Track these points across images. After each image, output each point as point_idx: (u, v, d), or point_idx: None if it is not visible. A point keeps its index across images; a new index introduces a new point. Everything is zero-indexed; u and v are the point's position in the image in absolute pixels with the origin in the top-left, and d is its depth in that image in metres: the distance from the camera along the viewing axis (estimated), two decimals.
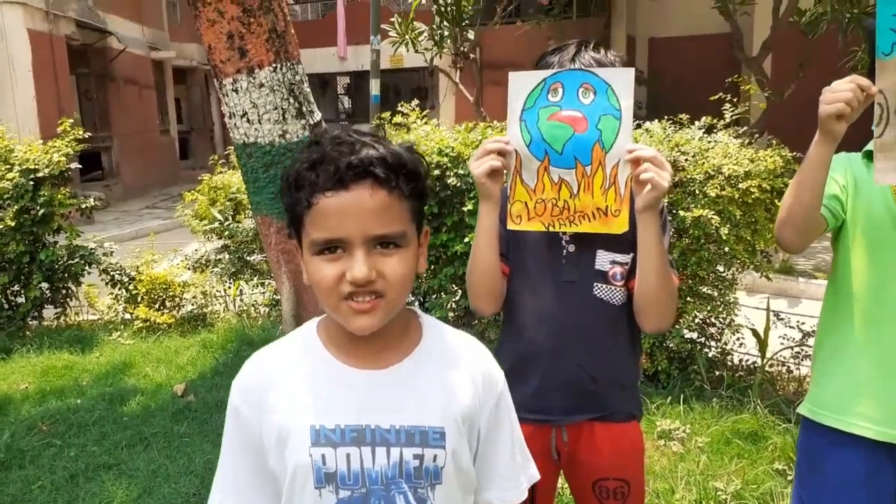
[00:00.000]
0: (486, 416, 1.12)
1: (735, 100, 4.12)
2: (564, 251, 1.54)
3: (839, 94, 1.36)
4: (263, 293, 5.18)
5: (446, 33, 10.21)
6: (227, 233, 5.08)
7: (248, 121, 4.86)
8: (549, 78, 1.46)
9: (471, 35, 10.68)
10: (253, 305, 5.21)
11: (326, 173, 0.99)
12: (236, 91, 4.84)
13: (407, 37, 10.26)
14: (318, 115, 5.03)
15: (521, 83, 1.48)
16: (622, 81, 1.41)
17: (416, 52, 10.28)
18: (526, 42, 11.09)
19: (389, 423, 1.04)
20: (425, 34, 10.26)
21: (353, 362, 1.08)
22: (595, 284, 1.52)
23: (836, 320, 1.61)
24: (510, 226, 1.51)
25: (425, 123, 4.66)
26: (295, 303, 5.01)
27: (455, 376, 1.10)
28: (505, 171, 1.49)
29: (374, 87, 9.42)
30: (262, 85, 4.79)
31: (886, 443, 1.52)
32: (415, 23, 10.23)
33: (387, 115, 5.11)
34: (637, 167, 1.38)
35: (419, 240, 1.09)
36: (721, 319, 3.77)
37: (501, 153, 1.47)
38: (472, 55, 11.04)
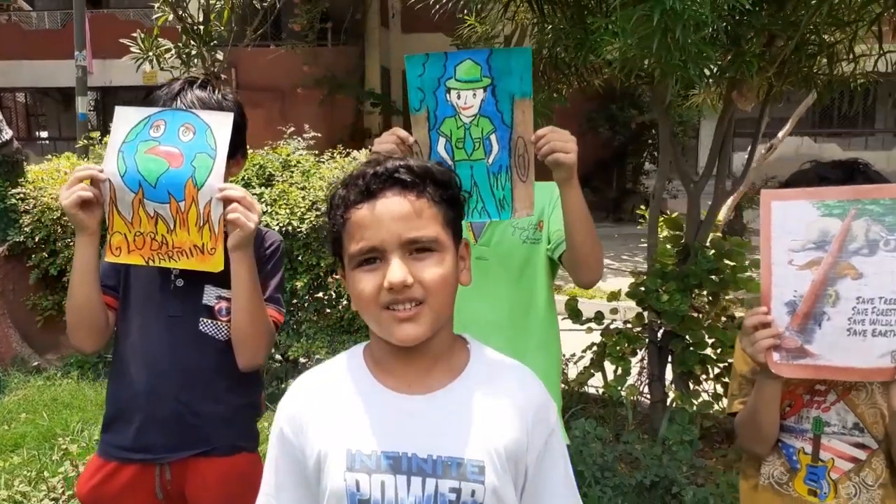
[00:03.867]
0: (535, 453, 1.06)
1: None
2: (172, 285, 1.57)
3: (383, 145, 1.56)
4: None
5: (194, 52, 9.90)
6: None
7: None
8: (154, 115, 1.50)
9: (220, 56, 10.43)
10: None
11: (356, 188, 1.03)
12: None
13: (150, 53, 9.80)
14: (7, 134, 4.64)
15: (125, 117, 1.51)
16: (221, 123, 1.49)
17: (162, 69, 9.82)
18: (281, 65, 11.08)
19: (427, 451, 1.01)
20: (172, 52, 9.87)
21: (395, 385, 1.05)
22: (201, 319, 1.56)
23: None
24: (108, 258, 1.51)
25: None
26: None
27: (501, 407, 1.05)
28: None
29: (81, 104, 9.01)
30: None
31: None
32: (160, 39, 9.80)
33: (96, 134, 4.82)
34: (228, 206, 1.44)
35: (458, 250, 1.07)
36: None
37: (93, 182, 1.46)
38: (224, 76, 10.78)
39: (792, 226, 1.37)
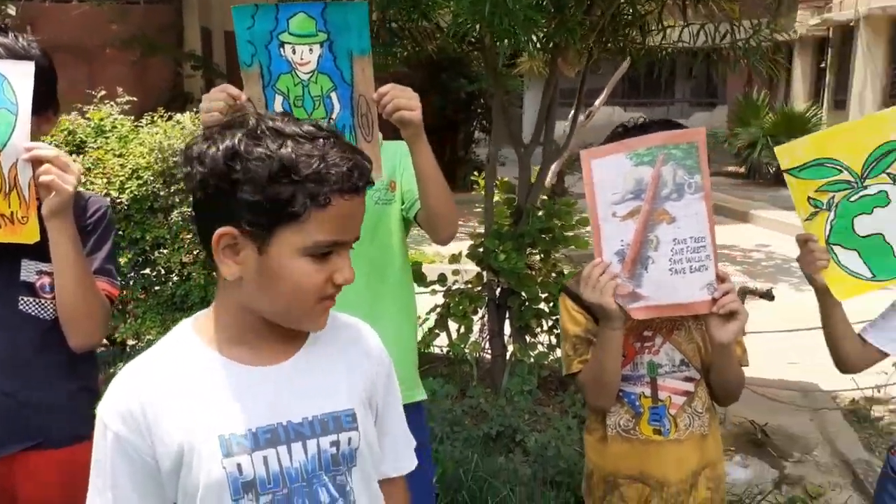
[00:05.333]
0: (381, 391, 1.14)
1: None
2: None
3: (213, 103, 1.46)
4: None
5: None
6: None
7: None
8: None
9: (12, 10, 9.28)
10: None
11: (340, 174, 0.94)
12: None
13: None
14: None
15: None
16: (21, 74, 1.32)
17: None
18: (87, 22, 10.10)
19: (301, 415, 1.01)
20: None
21: (247, 359, 1.02)
22: (21, 298, 1.40)
23: None
24: None
25: None
26: None
27: (352, 356, 1.11)
28: None
29: None
30: None
31: None
32: None
33: None
34: (38, 168, 1.30)
35: None
36: None
37: None
38: (20, 33, 9.63)
39: (610, 180, 1.47)
